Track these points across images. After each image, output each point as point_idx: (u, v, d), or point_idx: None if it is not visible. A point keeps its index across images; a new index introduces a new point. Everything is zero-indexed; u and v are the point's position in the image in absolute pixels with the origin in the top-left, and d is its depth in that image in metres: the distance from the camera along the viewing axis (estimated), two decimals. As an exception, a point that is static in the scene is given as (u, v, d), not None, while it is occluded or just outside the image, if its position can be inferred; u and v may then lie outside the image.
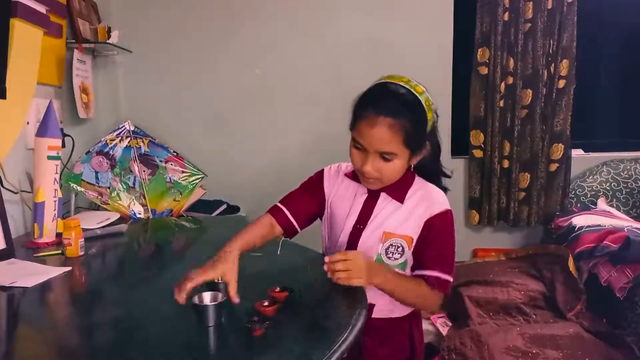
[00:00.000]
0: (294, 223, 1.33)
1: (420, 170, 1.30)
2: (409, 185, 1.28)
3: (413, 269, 1.27)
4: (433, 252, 1.24)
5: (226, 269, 1.06)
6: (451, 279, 1.24)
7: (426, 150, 1.24)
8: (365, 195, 1.30)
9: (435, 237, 1.23)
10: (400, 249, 1.25)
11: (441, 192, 1.29)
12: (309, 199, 1.36)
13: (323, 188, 1.37)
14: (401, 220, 1.25)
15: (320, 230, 1.42)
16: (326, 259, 1.12)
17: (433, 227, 1.23)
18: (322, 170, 1.40)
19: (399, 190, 1.26)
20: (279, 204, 1.36)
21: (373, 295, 1.21)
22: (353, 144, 1.22)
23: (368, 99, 1.20)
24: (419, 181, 1.30)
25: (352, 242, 1.29)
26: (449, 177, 1.35)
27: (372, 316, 1.27)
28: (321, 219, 1.40)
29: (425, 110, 1.19)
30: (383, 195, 1.28)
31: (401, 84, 1.20)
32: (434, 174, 1.33)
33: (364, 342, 1.27)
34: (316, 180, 1.39)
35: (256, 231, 1.27)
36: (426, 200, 1.25)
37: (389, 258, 1.25)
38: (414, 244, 1.25)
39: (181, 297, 0.99)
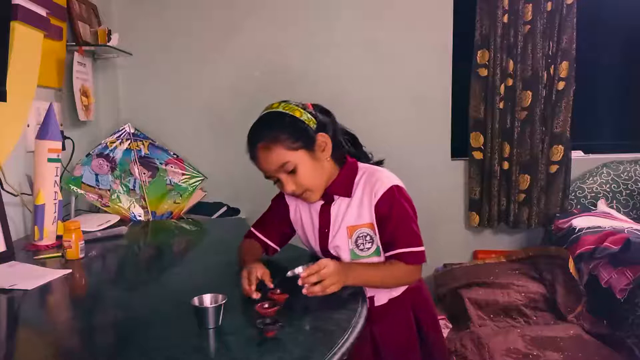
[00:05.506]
0: (271, 244, 1.39)
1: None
2: (353, 176, 1.30)
3: (384, 252, 1.29)
4: (393, 230, 1.24)
5: (255, 265, 1.17)
6: (421, 249, 1.25)
7: (325, 141, 1.25)
8: (322, 202, 1.31)
9: (388, 215, 1.24)
10: (368, 238, 1.27)
11: (384, 171, 1.30)
12: (278, 222, 1.40)
13: (288, 208, 1.39)
14: (357, 210, 1.27)
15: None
16: (299, 280, 1.10)
17: (383, 207, 1.24)
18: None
19: (345, 186, 1.29)
20: (253, 229, 1.41)
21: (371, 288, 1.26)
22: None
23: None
24: (362, 167, 1.32)
25: (324, 247, 1.31)
26: (370, 160, 1.38)
27: (375, 305, 1.30)
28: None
29: (287, 114, 1.23)
30: (335, 196, 1.30)
31: (263, 113, 1.28)
32: (358, 159, 1.35)
33: (374, 331, 1.29)
34: (280, 201, 1.41)
35: (252, 247, 1.37)
36: (369, 184, 1.27)
37: (361, 250, 1.27)
38: (376, 229, 1.26)
39: (254, 293, 1.07)
